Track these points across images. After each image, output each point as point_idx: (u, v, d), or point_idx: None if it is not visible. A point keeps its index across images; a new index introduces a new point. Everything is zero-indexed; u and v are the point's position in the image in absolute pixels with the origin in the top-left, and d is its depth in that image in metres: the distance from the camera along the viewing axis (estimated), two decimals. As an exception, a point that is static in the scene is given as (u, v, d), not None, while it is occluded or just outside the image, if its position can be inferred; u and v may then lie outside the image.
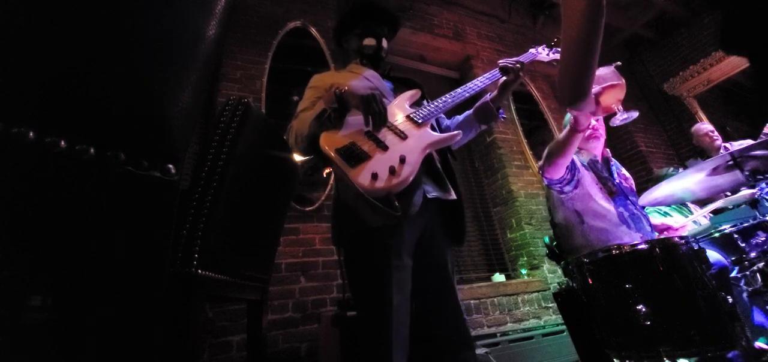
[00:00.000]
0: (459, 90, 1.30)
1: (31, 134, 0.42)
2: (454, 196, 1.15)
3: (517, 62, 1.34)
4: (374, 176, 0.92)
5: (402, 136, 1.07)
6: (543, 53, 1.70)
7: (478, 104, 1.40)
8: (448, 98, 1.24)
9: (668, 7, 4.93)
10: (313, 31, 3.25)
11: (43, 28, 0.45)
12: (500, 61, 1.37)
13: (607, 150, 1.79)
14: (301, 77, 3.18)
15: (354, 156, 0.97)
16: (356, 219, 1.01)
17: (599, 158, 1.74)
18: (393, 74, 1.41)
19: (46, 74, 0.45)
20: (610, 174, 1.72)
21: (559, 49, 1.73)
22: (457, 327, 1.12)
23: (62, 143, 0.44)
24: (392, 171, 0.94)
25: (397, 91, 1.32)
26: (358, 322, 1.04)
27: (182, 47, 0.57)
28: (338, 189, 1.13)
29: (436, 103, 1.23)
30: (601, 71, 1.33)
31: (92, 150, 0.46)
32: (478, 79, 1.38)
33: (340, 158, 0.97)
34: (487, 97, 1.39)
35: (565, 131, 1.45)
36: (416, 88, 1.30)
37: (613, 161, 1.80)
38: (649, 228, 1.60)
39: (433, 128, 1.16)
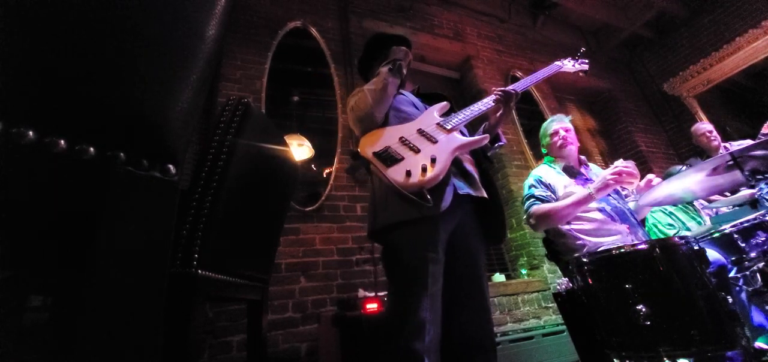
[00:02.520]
0: (482, 102, 1.37)
1: (31, 134, 0.42)
2: (483, 194, 1.21)
3: (514, 90, 1.39)
4: (408, 173, 1.03)
5: (432, 140, 1.16)
6: (569, 65, 1.77)
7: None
8: (475, 108, 1.33)
9: (668, 7, 4.94)
10: (313, 31, 3.25)
11: (43, 28, 0.45)
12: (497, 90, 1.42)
13: (582, 156, 1.94)
14: (301, 77, 3.22)
15: (389, 158, 1.09)
16: (392, 214, 1.08)
17: (574, 163, 1.86)
18: (421, 91, 1.53)
19: (46, 74, 0.45)
20: (587, 176, 1.84)
21: (586, 61, 1.80)
22: (482, 327, 1.14)
23: (62, 143, 0.44)
24: (424, 169, 1.04)
25: (430, 104, 1.41)
26: (389, 314, 1.07)
27: (182, 47, 0.57)
28: (374, 188, 1.18)
29: (463, 112, 1.32)
30: (628, 163, 1.62)
31: (92, 150, 0.46)
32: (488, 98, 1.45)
33: (377, 160, 1.09)
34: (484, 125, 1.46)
35: (581, 195, 1.61)
36: (445, 101, 1.38)
37: (589, 165, 1.94)
38: (634, 221, 1.69)
39: (461, 134, 1.25)
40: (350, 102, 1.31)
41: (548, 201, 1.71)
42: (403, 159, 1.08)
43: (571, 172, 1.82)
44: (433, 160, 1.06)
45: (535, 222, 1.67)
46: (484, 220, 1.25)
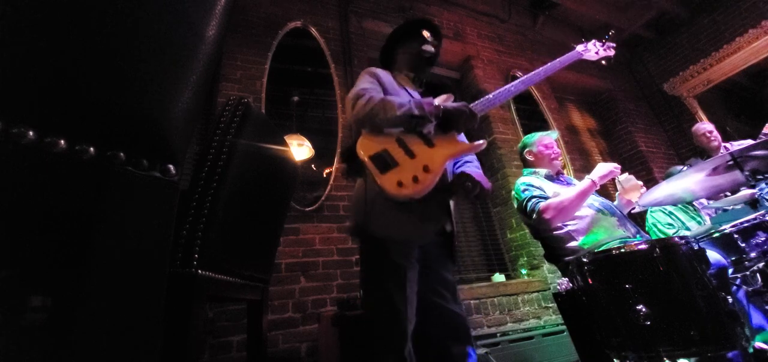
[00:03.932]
0: (490, 96, 1.35)
1: (31, 134, 0.42)
2: (449, 227, 1.26)
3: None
4: (399, 184, 1.02)
5: (429, 143, 1.15)
6: (592, 51, 1.67)
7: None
8: (477, 106, 1.30)
9: (668, 7, 4.94)
10: (313, 31, 3.25)
11: (43, 28, 0.45)
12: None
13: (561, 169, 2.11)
14: (301, 77, 3.22)
15: (384, 163, 1.07)
16: (385, 226, 1.10)
17: (556, 172, 1.97)
18: (429, 81, 1.53)
19: (46, 74, 0.45)
20: (568, 182, 1.97)
21: (613, 45, 1.68)
22: (456, 322, 1.18)
23: (62, 143, 0.44)
24: (415, 179, 1.03)
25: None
26: (367, 312, 1.13)
27: (182, 47, 0.57)
28: (367, 186, 1.18)
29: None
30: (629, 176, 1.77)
31: (92, 150, 0.46)
32: (509, 85, 1.45)
33: (372, 164, 1.07)
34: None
35: (583, 186, 1.67)
36: (448, 93, 1.36)
37: (565, 174, 2.08)
38: (621, 214, 1.77)
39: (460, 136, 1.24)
40: (361, 100, 1.20)
41: (548, 198, 1.73)
42: (397, 165, 1.07)
43: (552, 179, 1.92)
44: (426, 169, 1.06)
45: (552, 216, 1.67)
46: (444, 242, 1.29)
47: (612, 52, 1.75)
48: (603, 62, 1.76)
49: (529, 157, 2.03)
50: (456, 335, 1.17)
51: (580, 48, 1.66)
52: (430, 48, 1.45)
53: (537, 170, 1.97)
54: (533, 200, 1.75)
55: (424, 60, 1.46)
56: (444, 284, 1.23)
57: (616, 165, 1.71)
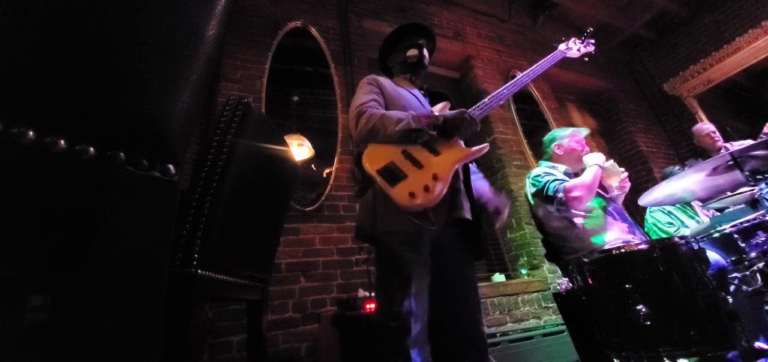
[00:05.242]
0: (486, 100, 1.36)
1: (31, 134, 0.42)
2: (466, 215, 1.22)
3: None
4: (411, 195, 1.04)
5: (434, 152, 1.16)
6: (574, 48, 1.74)
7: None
8: (475, 110, 1.30)
9: (668, 7, 4.94)
10: (313, 31, 3.25)
11: (43, 27, 0.45)
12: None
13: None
14: (301, 77, 3.22)
15: (393, 175, 1.09)
16: (393, 223, 1.10)
17: (573, 173, 1.93)
18: (428, 88, 1.53)
19: (46, 74, 0.45)
20: None
21: (592, 42, 1.78)
22: (474, 325, 1.16)
23: (62, 143, 0.44)
24: (426, 188, 1.05)
25: (432, 105, 1.41)
26: (379, 313, 1.12)
27: (182, 47, 0.57)
28: (376, 195, 1.18)
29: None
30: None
31: (92, 150, 0.46)
32: (504, 86, 1.46)
33: (381, 178, 1.09)
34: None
35: (595, 170, 1.71)
36: (445, 101, 1.37)
37: None
38: (631, 220, 1.76)
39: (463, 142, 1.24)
40: (362, 118, 1.21)
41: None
42: (406, 176, 1.08)
43: (570, 176, 1.89)
44: (435, 177, 1.07)
45: (580, 195, 1.64)
46: (465, 235, 1.25)
47: (592, 48, 1.82)
48: (585, 58, 1.85)
49: (558, 151, 1.95)
50: (470, 344, 1.13)
51: (562, 47, 1.72)
52: (414, 52, 1.47)
53: (555, 165, 1.91)
54: (555, 182, 1.72)
55: (412, 65, 1.48)
56: (461, 284, 1.20)
57: (601, 154, 1.79)
